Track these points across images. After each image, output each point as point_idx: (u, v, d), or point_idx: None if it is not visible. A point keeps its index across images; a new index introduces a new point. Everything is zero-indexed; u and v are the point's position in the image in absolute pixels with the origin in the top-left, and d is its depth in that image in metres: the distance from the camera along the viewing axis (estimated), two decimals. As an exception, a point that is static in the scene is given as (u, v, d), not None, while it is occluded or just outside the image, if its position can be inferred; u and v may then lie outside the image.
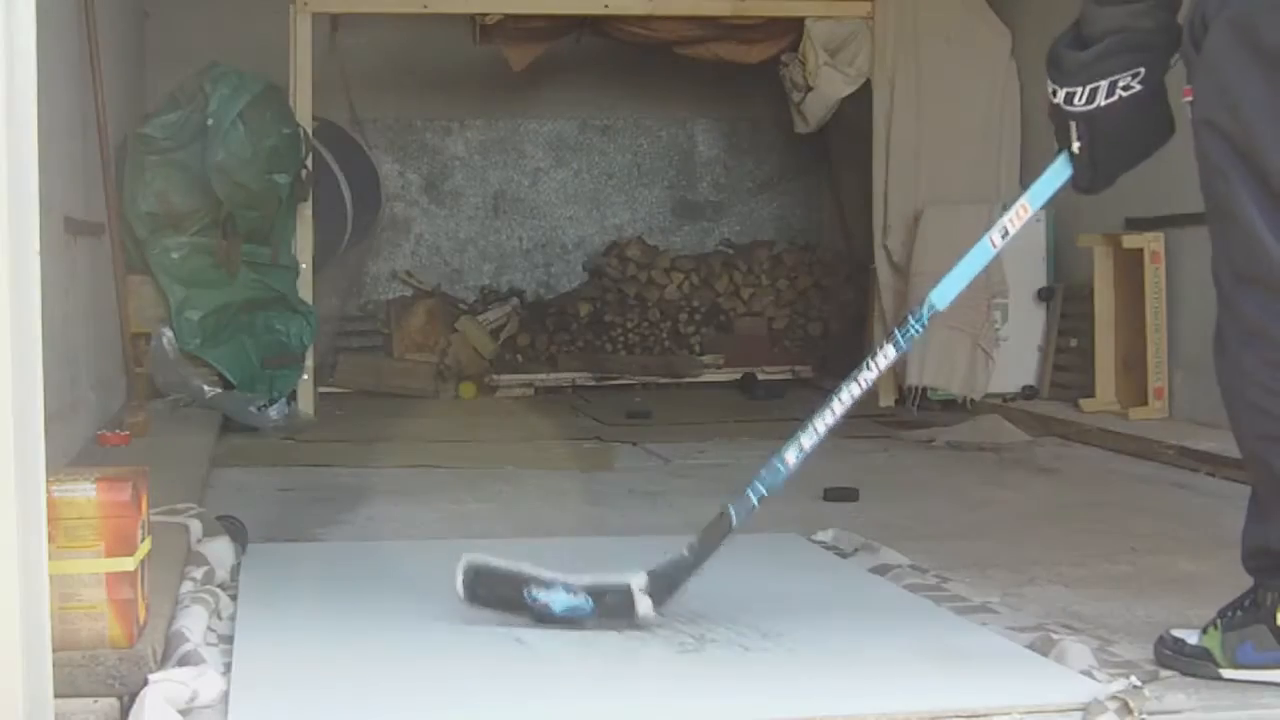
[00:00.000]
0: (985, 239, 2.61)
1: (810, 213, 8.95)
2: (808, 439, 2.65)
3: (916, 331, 2.68)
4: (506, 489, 4.50)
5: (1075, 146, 2.48)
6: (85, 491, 2.19)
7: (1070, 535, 3.73)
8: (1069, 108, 2.45)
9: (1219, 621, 2.41)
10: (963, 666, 2.44)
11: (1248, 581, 2.42)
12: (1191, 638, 2.43)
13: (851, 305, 7.99)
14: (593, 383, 7.68)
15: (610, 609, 2.63)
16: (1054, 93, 2.47)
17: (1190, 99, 2.34)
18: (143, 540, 2.29)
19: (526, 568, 2.67)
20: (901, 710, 2.19)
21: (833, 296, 8.20)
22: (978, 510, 4.17)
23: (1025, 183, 6.82)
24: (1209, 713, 2.23)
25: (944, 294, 2.66)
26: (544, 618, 2.62)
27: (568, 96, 8.62)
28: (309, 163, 6.42)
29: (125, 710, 2.13)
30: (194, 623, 2.52)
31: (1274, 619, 2.34)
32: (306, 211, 6.52)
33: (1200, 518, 3.93)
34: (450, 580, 2.65)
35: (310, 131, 6.47)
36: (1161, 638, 2.48)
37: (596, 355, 7.89)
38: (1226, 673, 2.36)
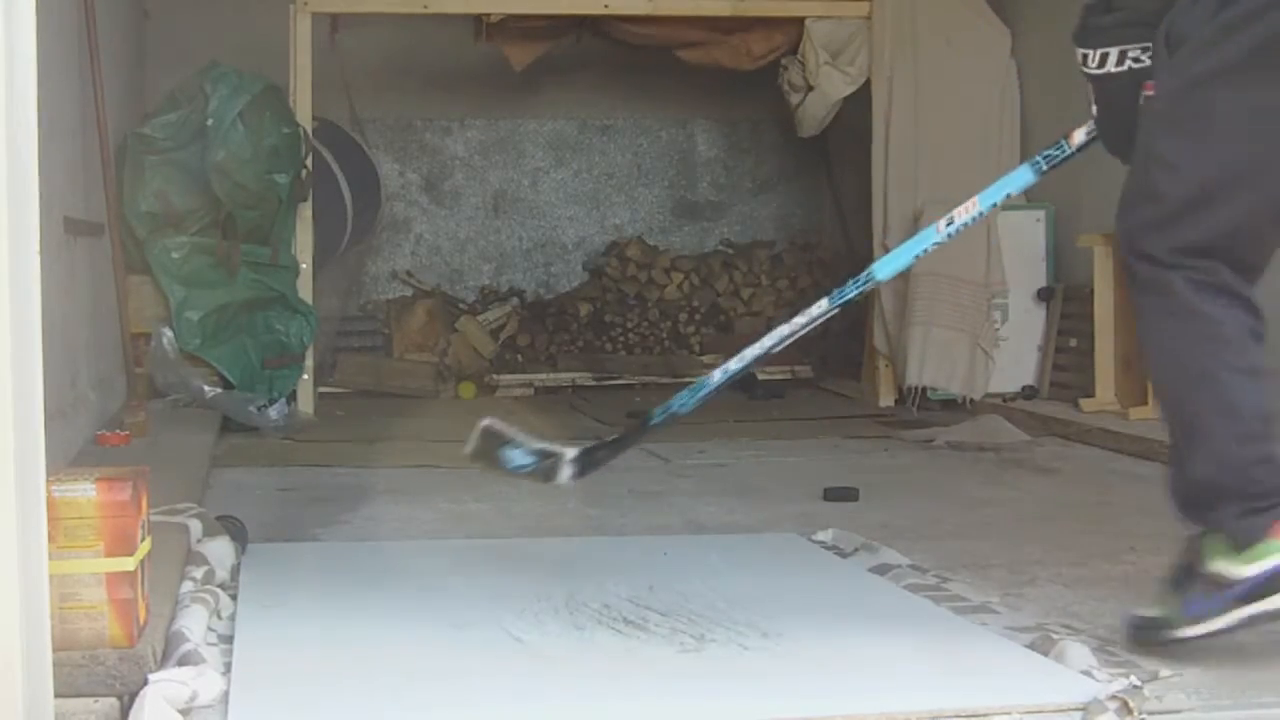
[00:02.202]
0: (932, 225, 2.83)
1: (810, 213, 8.95)
2: (735, 363, 2.88)
3: (852, 295, 2.90)
4: (506, 489, 4.49)
5: (1093, 111, 2.65)
6: (85, 491, 2.19)
7: (1070, 535, 3.72)
8: (1084, 70, 2.60)
9: (1167, 587, 2.53)
10: (962, 666, 2.45)
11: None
12: (1148, 611, 2.56)
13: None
14: (593, 383, 7.68)
15: (542, 470, 2.93)
16: (1076, 50, 2.62)
17: (1152, 93, 2.49)
18: (143, 540, 2.29)
19: (511, 432, 2.94)
20: (901, 710, 2.19)
21: (833, 296, 8.18)
22: (978, 510, 4.17)
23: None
24: (1209, 713, 2.23)
25: (886, 268, 2.91)
26: (506, 471, 2.95)
27: (568, 96, 8.62)
28: (309, 163, 6.42)
29: (125, 710, 2.13)
30: (194, 623, 2.52)
31: (1206, 567, 2.46)
32: (306, 211, 6.51)
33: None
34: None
35: (310, 131, 6.47)
36: (1126, 620, 2.59)
37: (596, 355, 7.89)
38: (1184, 632, 2.46)
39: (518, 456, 2.94)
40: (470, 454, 2.98)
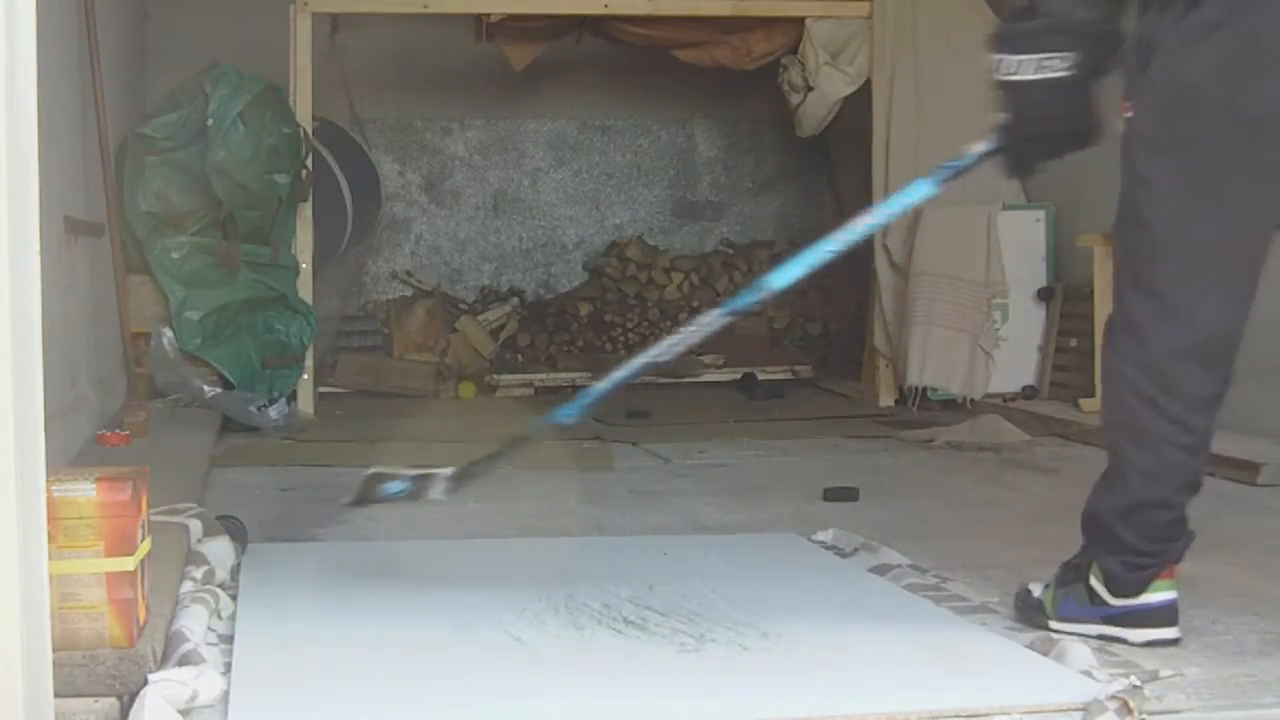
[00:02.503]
0: (830, 236, 2.83)
1: (810, 213, 8.95)
2: (621, 372, 2.91)
3: (745, 305, 2.88)
4: (506, 489, 4.50)
5: (1000, 118, 2.61)
6: (85, 491, 2.19)
7: (1070, 535, 3.68)
8: (996, 76, 2.58)
9: (1056, 577, 2.67)
10: (963, 666, 2.45)
11: (1247, 577, 2.47)
12: (1036, 590, 2.72)
13: (851, 305, 7.99)
14: (593, 383, 7.66)
15: (415, 491, 3.03)
16: (990, 56, 2.60)
17: (1130, 115, 2.49)
18: (143, 540, 2.29)
19: (385, 469, 3.08)
20: (901, 710, 2.19)
21: (833, 296, 8.19)
22: (978, 510, 4.17)
23: (1024, 185, 6.90)
24: (1209, 713, 2.23)
25: (780, 278, 2.84)
26: (383, 500, 3.07)
27: (568, 96, 8.62)
28: (309, 163, 6.42)
29: (125, 710, 2.13)
30: (194, 623, 2.53)
31: (1088, 580, 2.60)
32: (306, 211, 6.51)
33: (1199, 518, 3.91)
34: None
35: (310, 131, 6.47)
36: (1018, 590, 2.76)
37: (596, 355, 7.89)
38: (1053, 624, 2.63)
39: (394, 486, 3.05)
40: (350, 503, 3.13)
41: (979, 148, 2.67)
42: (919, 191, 2.76)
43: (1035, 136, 2.58)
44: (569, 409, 2.94)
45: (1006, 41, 2.56)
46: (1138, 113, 2.48)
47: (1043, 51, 2.50)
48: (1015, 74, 2.53)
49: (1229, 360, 2.52)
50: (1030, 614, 2.70)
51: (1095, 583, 2.60)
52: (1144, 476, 2.54)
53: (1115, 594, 2.58)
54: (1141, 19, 2.49)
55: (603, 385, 2.91)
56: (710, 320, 2.84)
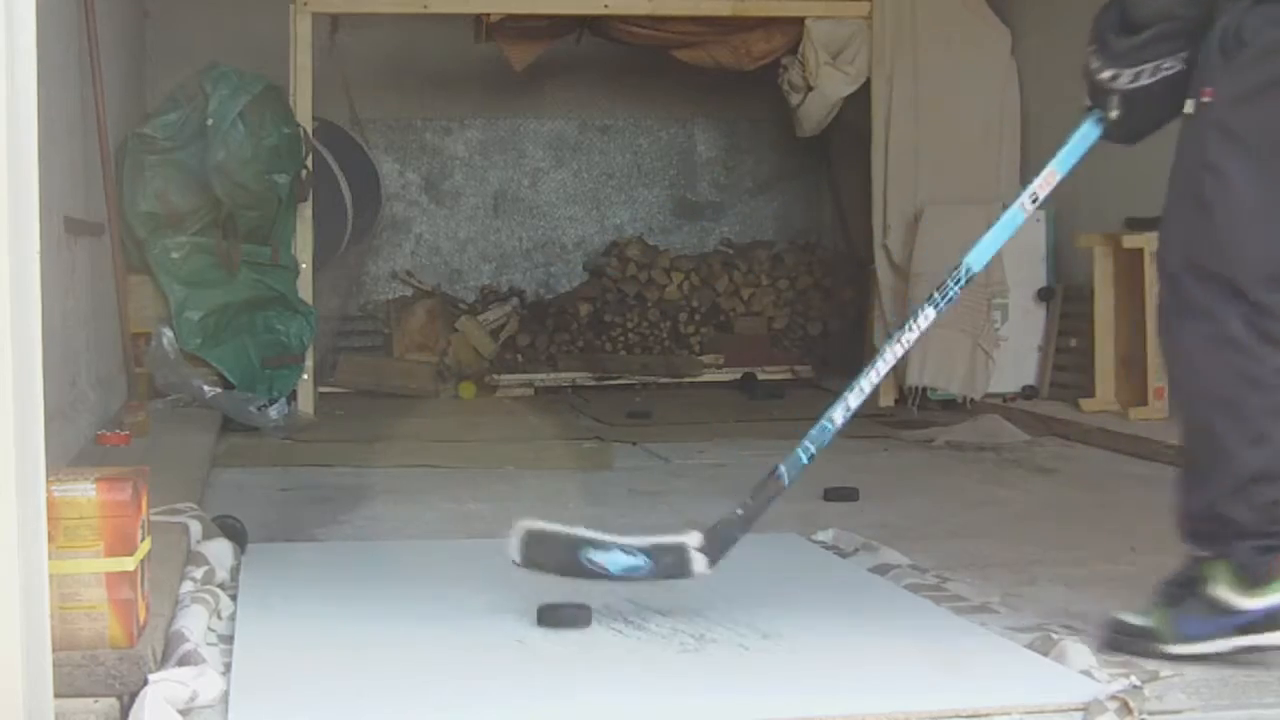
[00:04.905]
0: (1016, 205, 2.76)
1: (810, 213, 8.95)
2: (854, 398, 2.75)
3: (954, 294, 2.77)
4: (506, 489, 4.50)
5: (1114, 115, 2.64)
6: (85, 491, 2.19)
7: (1070, 535, 3.72)
8: (1113, 85, 2.60)
9: (1161, 599, 2.50)
10: (963, 666, 2.44)
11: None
12: (1135, 619, 2.52)
13: (851, 305, 7.99)
14: (593, 383, 7.68)
15: (667, 567, 2.70)
16: (1098, 69, 2.61)
17: (1210, 99, 2.46)
18: (143, 540, 2.29)
19: (582, 531, 2.71)
20: (901, 710, 2.19)
21: (833, 296, 8.19)
22: (978, 510, 4.17)
23: (1025, 182, 6.89)
24: (1209, 713, 2.23)
25: (979, 257, 2.76)
26: (600, 578, 2.68)
27: (568, 96, 8.62)
28: (309, 163, 6.42)
29: (125, 710, 2.13)
30: (194, 623, 2.53)
31: (1206, 592, 2.44)
32: (306, 211, 6.51)
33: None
34: (504, 551, 2.74)
35: (310, 131, 6.47)
36: (1107, 622, 2.56)
37: (596, 355, 7.89)
38: (1173, 649, 2.44)
39: (617, 560, 2.67)
40: (525, 564, 2.71)
41: (1086, 138, 2.68)
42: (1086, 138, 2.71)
43: (1149, 127, 2.65)
44: (810, 444, 2.76)
45: (1122, 57, 2.58)
46: (1218, 99, 2.45)
47: (1159, 59, 2.55)
48: (1135, 82, 2.58)
49: None
50: (1135, 644, 2.49)
51: (1218, 591, 2.44)
52: (1243, 447, 2.42)
53: (1251, 590, 2.42)
54: (1224, 5, 2.48)
55: (835, 421, 2.75)
56: (926, 319, 2.77)
